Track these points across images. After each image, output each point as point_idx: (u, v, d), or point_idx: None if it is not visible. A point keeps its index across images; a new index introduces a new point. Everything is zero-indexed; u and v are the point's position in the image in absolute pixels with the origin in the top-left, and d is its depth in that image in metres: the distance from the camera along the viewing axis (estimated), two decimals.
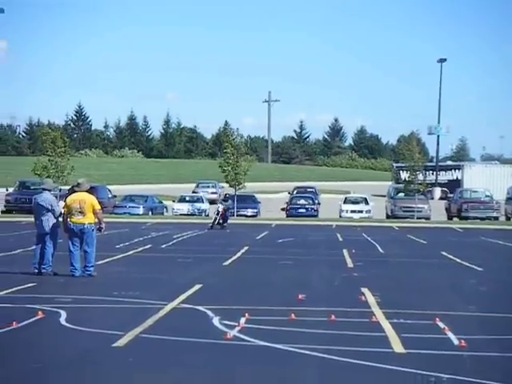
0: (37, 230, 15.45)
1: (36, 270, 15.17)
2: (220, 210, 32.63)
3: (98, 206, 15.34)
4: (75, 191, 15.51)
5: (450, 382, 7.38)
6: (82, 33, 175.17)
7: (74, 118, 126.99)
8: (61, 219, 15.37)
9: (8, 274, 15.38)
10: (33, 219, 15.97)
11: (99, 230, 15.42)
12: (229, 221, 34.15)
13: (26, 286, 13.63)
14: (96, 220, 15.25)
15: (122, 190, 55.10)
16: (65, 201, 15.53)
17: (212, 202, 52.05)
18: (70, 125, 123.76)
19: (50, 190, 15.79)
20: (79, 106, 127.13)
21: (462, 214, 43.52)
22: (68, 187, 40.75)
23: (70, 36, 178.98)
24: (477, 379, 7.44)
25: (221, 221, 32.44)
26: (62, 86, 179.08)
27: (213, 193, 56.99)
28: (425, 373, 7.61)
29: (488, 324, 10.73)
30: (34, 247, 15.73)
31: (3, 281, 14.13)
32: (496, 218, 43.17)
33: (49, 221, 15.23)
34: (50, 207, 15.24)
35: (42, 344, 9.00)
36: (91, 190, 16.26)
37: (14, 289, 13.18)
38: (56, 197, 16.08)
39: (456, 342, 9.18)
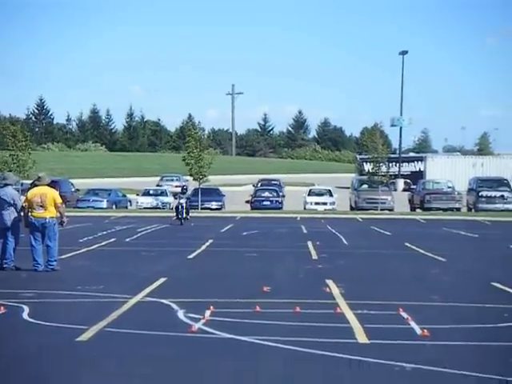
0: None
1: None
2: (182, 202, 31.52)
3: (59, 200, 15.20)
4: (36, 185, 15.36)
5: (414, 371, 7.45)
6: (44, 26, 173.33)
7: (36, 111, 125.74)
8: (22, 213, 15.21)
9: None
10: None
11: (61, 224, 15.29)
12: (192, 214, 34.24)
13: None
14: (58, 214, 15.11)
15: (85, 183, 54.71)
16: (26, 195, 15.36)
17: (176, 195, 51.92)
18: (31, 118, 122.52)
19: (12, 185, 15.60)
20: (40, 100, 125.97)
21: (424, 205, 43.94)
22: (30, 181, 40.44)
23: (33, 28, 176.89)
24: (440, 368, 7.53)
25: (184, 215, 31.52)
26: (23, 79, 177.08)
27: (177, 186, 56.75)
28: (389, 362, 7.68)
29: (451, 313, 10.84)
30: None
31: None
32: (458, 209, 43.64)
33: (11, 215, 15.05)
34: (12, 201, 15.06)
35: (5, 339, 8.91)
36: (53, 184, 16.10)
37: None
38: (18, 191, 15.87)
39: (419, 331, 9.27)
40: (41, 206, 14.93)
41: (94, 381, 7.12)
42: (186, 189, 34.21)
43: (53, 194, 15.10)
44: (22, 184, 36.88)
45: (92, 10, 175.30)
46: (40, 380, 7.16)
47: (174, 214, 31.80)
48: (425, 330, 9.20)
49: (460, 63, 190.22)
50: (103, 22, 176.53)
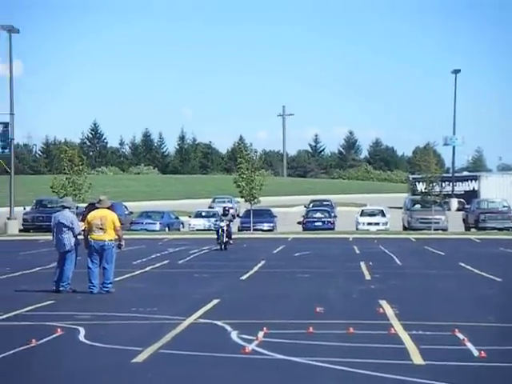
0: (57, 248, 15.49)
1: (55, 288, 15.24)
2: (223, 225, 28.62)
3: (118, 223, 15.41)
4: (96, 208, 15.59)
5: None
6: (96, 51, 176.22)
7: (90, 135, 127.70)
8: (82, 236, 15.44)
9: (27, 291, 15.46)
10: (50, 237, 16.04)
11: (119, 247, 15.49)
12: (244, 235, 33.89)
13: (44, 303, 13.68)
14: (116, 237, 15.32)
15: (139, 206, 55.28)
16: (85, 217, 15.59)
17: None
18: (85, 143, 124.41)
19: (69, 208, 15.85)
20: (94, 124, 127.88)
21: (479, 224, 43.30)
22: (85, 205, 41.10)
23: (85, 54, 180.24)
24: None
25: (225, 239, 28.58)
26: (78, 104, 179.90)
27: (229, 208, 57.01)
28: None
29: (508, 335, 10.66)
30: (53, 265, 15.78)
31: (22, 299, 14.20)
32: None
33: (70, 239, 15.28)
34: (70, 225, 15.30)
35: (62, 361, 9.03)
36: (111, 207, 16.33)
37: (33, 306, 13.24)
38: (75, 214, 16.16)
39: (476, 353, 9.13)
40: (100, 229, 15.14)
41: None
42: (228, 210, 31.02)
43: (112, 218, 15.31)
44: (77, 207, 37.47)
45: (142, 36, 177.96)
46: None
47: (217, 240, 28.80)
48: (482, 352, 9.05)
49: None
50: (154, 47, 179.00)
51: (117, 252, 15.66)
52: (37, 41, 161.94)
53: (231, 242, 29.55)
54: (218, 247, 28.27)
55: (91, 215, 15.33)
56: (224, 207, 32.15)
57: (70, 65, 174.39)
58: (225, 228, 28.55)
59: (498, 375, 8.13)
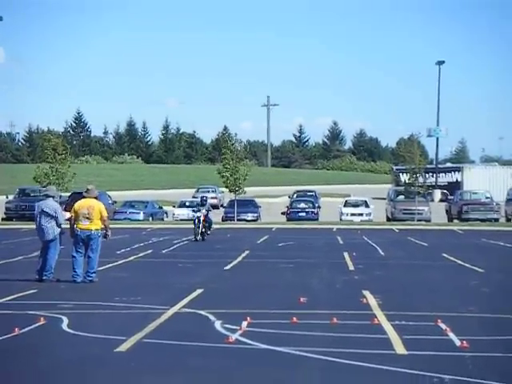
0: (40, 237, 15.42)
1: (37, 277, 15.18)
2: (200, 216, 27.26)
3: (105, 213, 15.37)
4: (83, 197, 15.52)
5: (453, 382, 7.39)
6: (79, 39, 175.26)
7: (74, 124, 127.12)
8: (67, 225, 15.36)
9: (9, 281, 15.39)
10: (33, 226, 15.97)
11: (105, 236, 15.45)
12: (228, 225, 33.70)
13: (27, 292, 13.63)
14: (102, 226, 15.27)
15: (122, 195, 55.14)
16: (70, 206, 15.51)
17: (212, 206, 52.05)
18: (69, 131, 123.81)
19: (53, 197, 15.78)
20: (78, 113, 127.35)
21: (462, 215, 43.56)
22: (68, 194, 40.90)
23: (68, 42, 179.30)
24: (479, 380, 7.45)
25: (203, 229, 27.38)
26: (61, 92, 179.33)
27: (213, 198, 56.99)
28: (427, 374, 7.62)
29: (490, 325, 10.74)
30: (36, 254, 15.72)
31: (4, 288, 14.14)
32: (496, 220, 43.20)
33: (53, 228, 15.22)
34: (54, 214, 15.23)
35: (44, 350, 9.01)
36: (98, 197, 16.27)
37: (16, 295, 13.19)
38: (59, 203, 16.08)
39: (458, 343, 9.19)
40: (87, 218, 15.09)
41: None
42: (206, 200, 29.25)
43: (99, 207, 15.27)
44: (60, 196, 37.30)
45: (127, 24, 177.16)
46: None
47: (194, 230, 27.59)
48: (464, 342, 9.11)
49: (497, 72, 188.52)
50: (138, 36, 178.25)
51: (102, 242, 15.61)
52: (19, 27, 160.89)
53: (209, 232, 28.24)
54: (193, 238, 27.16)
55: (78, 204, 15.27)
56: (202, 196, 30.58)
57: (54, 52, 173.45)
58: (201, 218, 27.27)
59: (480, 365, 8.19)
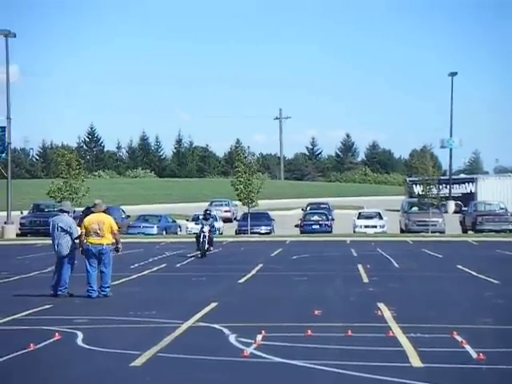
0: (55, 252, 15.47)
1: (52, 292, 15.22)
2: (206, 231, 26.02)
3: (115, 227, 15.41)
4: (92, 212, 15.57)
5: None
6: (92, 53, 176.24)
7: (87, 139, 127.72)
8: (77, 241, 15.41)
9: (24, 296, 15.44)
10: (48, 241, 16.02)
11: (116, 250, 15.48)
12: (242, 238, 33.24)
13: (42, 307, 13.67)
14: (113, 241, 15.30)
15: (136, 210, 55.23)
16: (82, 222, 15.55)
17: (226, 220, 52.10)
18: (82, 146, 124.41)
19: (68, 212, 15.83)
20: (91, 128, 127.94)
21: (476, 226, 43.33)
22: (82, 209, 41.02)
23: (81, 57, 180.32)
24: None
25: (206, 245, 26.00)
26: (74, 107, 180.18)
27: (226, 211, 57.05)
28: None
29: (506, 337, 10.67)
30: (51, 269, 15.76)
31: (20, 303, 14.19)
32: (511, 231, 42.96)
33: (68, 243, 15.27)
34: (68, 229, 15.29)
35: (60, 365, 9.02)
36: (107, 211, 16.33)
37: (31, 311, 13.22)
38: (73, 218, 16.13)
39: (474, 355, 9.14)
40: (97, 234, 15.13)
41: None
42: (210, 214, 28.01)
43: (110, 221, 15.31)
44: (74, 211, 37.44)
45: (138, 37, 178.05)
46: None
47: (197, 245, 26.31)
48: (480, 354, 9.06)
49: (510, 82, 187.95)
50: (150, 48, 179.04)
51: (114, 256, 15.65)
52: (33, 44, 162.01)
53: (211, 248, 27.12)
54: (198, 254, 25.81)
55: (88, 220, 15.31)
56: (205, 210, 28.61)
57: (67, 68, 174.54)
58: (207, 234, 25.99)
59: (496, 377, 8.13)
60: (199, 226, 26.81)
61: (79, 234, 15.35)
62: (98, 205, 15.54)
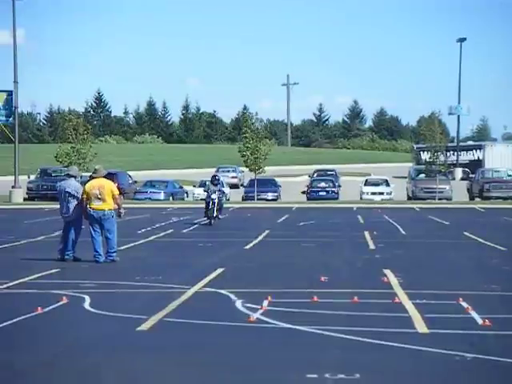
0: (62, 216, 15.52)
1: (60, 256, 15.29)
2: (215, 198, 25.17)
3: (116, 192, 15.41)
4: (93, 178, 15.59)
5: (475, 361, 7.37)
6: (100, 18, 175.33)
7: (94, 104, 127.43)
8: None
9: (32, 260, 15.51)
10: (55, 206, 16.06)
11: (119, 215, 15.50)
12: (248, 204, 32.91)
13: (49, 271, 13.74)
14: (115, 205, 15.32)
15: (143, 175, 55.31)
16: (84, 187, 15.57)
17: (232, 186, 52.12)
18: (89, 111, 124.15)
19: (75, 177, 15.84)
20: (99, 93, 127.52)
21: (483, 193, 43.28)
22: (89, 174, 41.07)
23: (89, 22, 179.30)
24: (501, 358, 7.42)
25: (215, 212, 25.20)
26: (82, 72, 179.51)
27: (233, 177, 57.05)
28: (449, 352, 7.60)
29: None
30: (58, 233, 15.82)
31: (27, 267, 14.25)
32: None
33: (75, 207, 15.30)
34: (76, 194, 15.31)
35: (67, 329, 9.08)
36: (110, 176, 16.32)
37: (39, 275, 13.29)
38: (80, 183, 16.14)
39: (480, 321, 9.15)
40: (99, 199, 15.13)
41: (155, 370, 7.21)
42: (218, 179, 27.15)
43: (110, 186, 15.31)
44: (81, 177, 37.48)
45: (146, 3, 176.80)
46: (101, 369, 7.28)
47: (206, 211, 25.43)
48: (486, 320, 9.07)
49: None
50: (157, 14, 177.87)
51: (119, 221, 15.68)
52: (40, 8, 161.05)
53: (220, 216, 26.31)
54: (207, 221, 25.06)
55: (89, 185, 15.32)
56: (213, 175, 27.56)
57: (74, 33, 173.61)
58: (216, 200, 25.18)
59: (502, 343, 8.15)
60: (207, 193, 26.09)
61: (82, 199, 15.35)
62: (99, 170, 15.56)
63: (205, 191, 26.31)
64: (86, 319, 9.61)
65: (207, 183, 26.65)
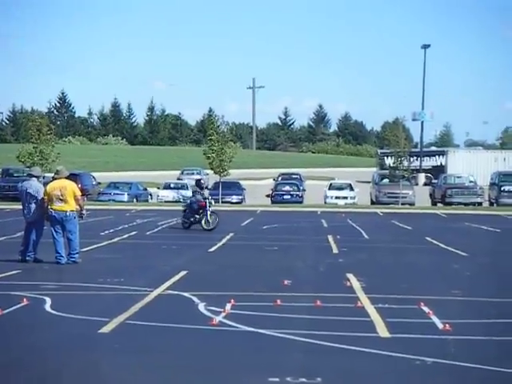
0: (24, 217, 15.35)
1: (21, 257, 15.12)
2: (212, 200, 24.55)
3: (78, 193, 15.29)
4: (55, 178, 15.46)
5: (435, 365, 7.43)
6: (64, 18, 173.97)
7: (58, 104, 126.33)
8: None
9: None
10: (17, 206, 15.89)
11: (81, 216, 15.38)
12: (213, 207, 32.44)
13: (10, 273, 13.58)
14: (77, 207, 15.19)
15: (107, 177, 54.94)
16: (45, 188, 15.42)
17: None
18: (53, 112, 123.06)
19: (37, 177, 15.69)
20: (62, 93, 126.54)
21: (446, 199, 43.72)
22: (52, 174, 40.69)
23: (53, 21, 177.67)
24: (461, 363, 7.50)
25: (202, 219, 23.87)
26: (45, 72, 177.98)
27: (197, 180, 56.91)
28: (410, 357, 7.66)
29: (472, 308, 10.80)
30: (20, 234, 15.64)
31: None
32: (480, 204, 43.40)
33: (37, 208, 15.14)
34: (36, 195, 15.16)
35: (27, 331, 8.97)
36: (74, 177, 16.20)
37: None
38: (42, 184, 15.99)
39: (440, 326, 9.24)
40: (61, 200, 15.00)
41: (116, 372, 7.17)
42: (205, 182, 26.55)
43: (72, 187, 15.18)
44: (44, 177, 37.12)
45: (113, 4, 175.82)
46: (62, 371, 7.21)
47: (189, 217, 24.19)
48: (446, 325, 9.16)
49: (483, 56, 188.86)
50: (124, 15, 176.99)
51: (81, 222, 15.56)
52: (2, 7, 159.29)
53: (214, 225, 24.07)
54: (207, 227, 23.71)
55: (50, 186, 15.17)
56: (198, 180, 26.47)
57: (38, 32, 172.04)
58: (213, 202, 24.53)
59: (462, 348, 8.24)
60: (192, 197, 24.85)
61: (42, 199, 15.21)
62: (61, 171, 15.43)
63: (193, 195, 25.00)
64: (46, 321, 9.51)
65: (193, 188, 25.04)
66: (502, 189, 42.90)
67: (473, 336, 8.82)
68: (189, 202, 25.00)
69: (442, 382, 6.98)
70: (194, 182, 26.69)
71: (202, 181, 26.08)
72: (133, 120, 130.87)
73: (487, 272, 15.17)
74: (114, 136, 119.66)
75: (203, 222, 23.95)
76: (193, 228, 25.13)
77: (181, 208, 26.34)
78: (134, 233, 22.95)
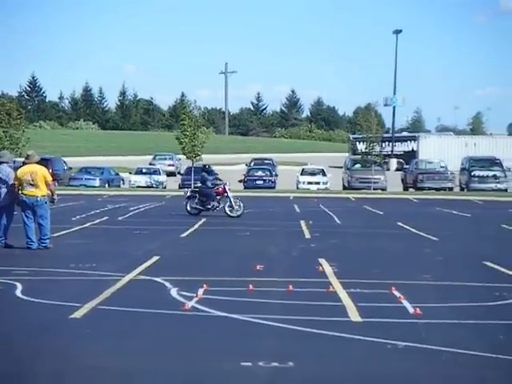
0: None
1: None
2: (230, 186, 23.76)
3: (49, 178, 15.16)
4: (25, 163, 15.32)
5: (406, 349, 7.49)
6: (35, 2, 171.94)
7: (28, 89, 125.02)
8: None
9: None
10: None
11: (52, 201, 15.26)
12: None
13: None
14: (48, 192, 15.06)
15: (78, 161, 54.56)
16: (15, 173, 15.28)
17: (169, 174, 51.84)
18: (23, 96, 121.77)
19: (7, 162, 15.54)
20: (33, 77, 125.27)
21: (417, 184, 44.05)
22: (22, 159, 40.31)
23: (25, 5, 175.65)
24: (432, 346, 7.57)
25: (225, 205, 23.31)
26: (15, 56, 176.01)
27: (170, 165, 56.79)
28: (381, 341, 7.71)
29: (443, 292, 10.90)
30: None
31: None
32: (451, 189, 43.80)
33: (7, 193, 14.99)
34: (7, 179, 15.01)
35: None
36: (44, 162, 16.05)
37: None
38: (13, 169, 15.82)
39: (411, 310, 9.31)
40: (31, 185, 14.86)
41: (87, 357, 7.13)
42: (208, 167, 25.79)
43: (43, 172, 15.04)
44: (14, 162, 36.73)
45: None
46: (33, 357, 7.16)
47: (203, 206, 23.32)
48: (417, 309, 9.24)
49: (454, 42, 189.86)
50: (95, 0, 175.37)
51: (53, 207, 15.43)
52: None
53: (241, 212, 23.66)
54: (231, 214, 23.34)
55: (21, 171, 15.02)
56: (204, 165, 26.47)
57: (8, 15, 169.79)
58: (230, 188, 23.79)
59: (432, 331, 8.31)
60: (202, 183, 23.83)
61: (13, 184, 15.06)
62: (31, 156, 15.28)
63: (201, 182, 24.03)
64: (17, 306, 9.44)
65: (203, 174, 24.24)
66: (473, 174, 43.31)
67: (443, 320, 8.90)
68: (198, 188, 23.95)
69: (414, 365, 7.04)
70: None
71: (207, 166, 25.77)
72: (104, 105, 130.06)
73: (457, 256, 15.31)
74: (85, 121, 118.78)
75: (226, 208, 23.39)
76: (165, 213, 25.07)
77: (152, 193, 26.02)
78: (106, 218, 22.83)
